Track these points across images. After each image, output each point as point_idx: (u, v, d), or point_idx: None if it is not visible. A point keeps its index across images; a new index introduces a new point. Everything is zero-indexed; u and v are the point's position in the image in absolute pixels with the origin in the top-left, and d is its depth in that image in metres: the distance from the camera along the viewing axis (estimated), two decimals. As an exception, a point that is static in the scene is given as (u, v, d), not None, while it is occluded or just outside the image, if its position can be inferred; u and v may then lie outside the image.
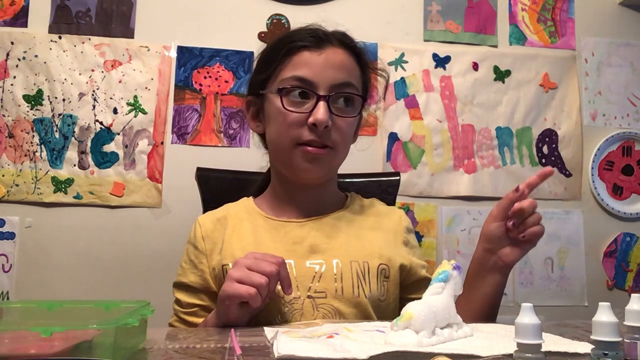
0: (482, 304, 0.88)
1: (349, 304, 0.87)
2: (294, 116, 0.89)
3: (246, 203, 1.00)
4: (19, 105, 1.71)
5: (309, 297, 0.86)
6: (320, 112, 0.87)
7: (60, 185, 1.70)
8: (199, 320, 0.88)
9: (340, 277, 0.88)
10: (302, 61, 0.90)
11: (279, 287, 0.79)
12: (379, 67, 1.03)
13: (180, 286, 0.92)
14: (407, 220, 1.01)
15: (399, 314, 0.60)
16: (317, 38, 0.92)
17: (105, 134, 1.74)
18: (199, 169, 1.29)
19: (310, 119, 0.87)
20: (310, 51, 0.91)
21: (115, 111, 1.75)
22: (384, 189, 1.28)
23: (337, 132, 0.90)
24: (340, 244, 0.92)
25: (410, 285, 0.94)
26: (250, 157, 1.77)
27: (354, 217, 0.98)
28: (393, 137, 1.86)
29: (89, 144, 1.73)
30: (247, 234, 0.93)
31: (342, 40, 0.94)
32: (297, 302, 0.85)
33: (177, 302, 0.92)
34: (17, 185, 1.69)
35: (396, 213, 1.02)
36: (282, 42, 0.94)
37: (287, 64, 0.91)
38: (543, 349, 0.48)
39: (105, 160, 1.73)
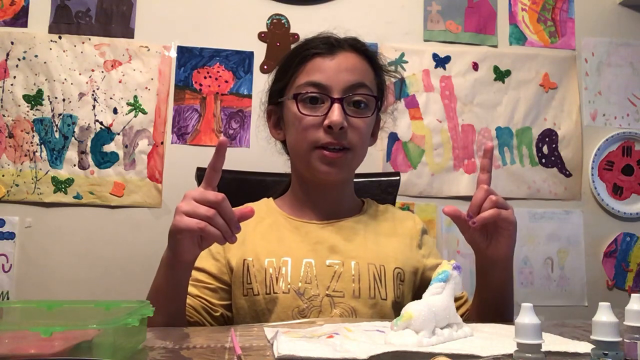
0: (489, 301, 0.89)
1: (366, 305, 0.89)
2: (309, 119, 0.92)
3: (267, 203, 1.04)
4: (19, 105, 1.71)
5: (327, 295, 0.88)
6: (335, 114, 0.90)
7: (60, 185, 1.70)
8: (196, 291, 0.91)
9: (357, 278, 0.90)
10: (315, 67, 0.94)
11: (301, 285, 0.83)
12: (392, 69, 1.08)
13: (196, 269, 0.94)
14: (421, 224, 1.04)
15: None
16: (329, 45, 0.96)
17: (105, 134, 1.74)
18: (199, 169, 1.29)
19: (326, 122, 0.90)
20: (323, 57, 0.94)
21: (115, 111, 1.75)
22: (384, 189, 1.28)
23: (353, 132, 0.93)
24: (358, 246, 0.95)
25: (424, 287, 0.96)
26: (250, 157, 1.80)
27: (371, 221, 1.01)
28: (393, 137, 1.86)
29: (89, 144, 1.73)
30: (270, 231, 0.96)
31: (354, 44, 0.98)
32: (315, 299, 0.88)
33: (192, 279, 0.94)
34: (17, 185, 1.69)
35: (410, 217, 1.05)
36: (296, 51, 0.98)
37: (301, 71, 0.95)
38: (543, 349, 0.48)
39: (105, 160, 1.73)
